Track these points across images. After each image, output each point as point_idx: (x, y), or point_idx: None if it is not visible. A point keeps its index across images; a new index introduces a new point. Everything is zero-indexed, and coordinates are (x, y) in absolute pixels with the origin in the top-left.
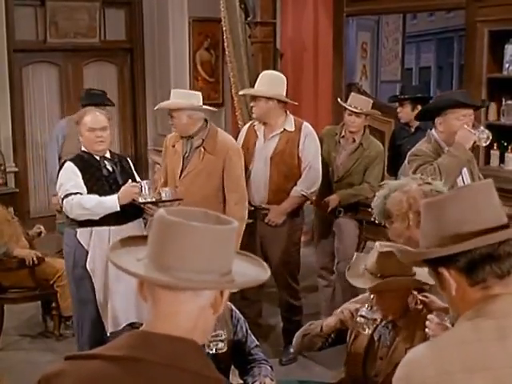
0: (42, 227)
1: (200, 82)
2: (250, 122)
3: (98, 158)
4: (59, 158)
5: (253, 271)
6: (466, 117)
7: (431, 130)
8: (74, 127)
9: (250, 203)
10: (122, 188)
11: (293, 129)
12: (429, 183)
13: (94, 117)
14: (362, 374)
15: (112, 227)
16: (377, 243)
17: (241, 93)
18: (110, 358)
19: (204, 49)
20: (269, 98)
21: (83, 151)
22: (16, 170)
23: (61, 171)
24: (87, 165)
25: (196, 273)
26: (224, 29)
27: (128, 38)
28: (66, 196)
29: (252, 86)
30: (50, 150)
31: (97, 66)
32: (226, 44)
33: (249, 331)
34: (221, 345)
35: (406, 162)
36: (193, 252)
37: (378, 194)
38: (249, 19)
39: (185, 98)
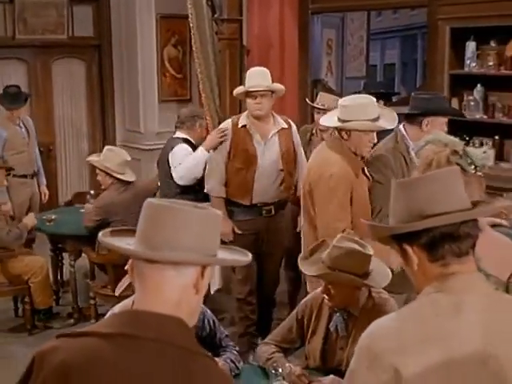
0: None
1: (168, 78)
2: (231, 122)
3: None
4: None
5: (235, 256)
6: (445, 123)
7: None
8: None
9: (252, 203)
10: None
11: (285, 125)
12: (460, 156)
13: None
14: (321, 365)
15: None
16: (339, 235)
17: (260, 88)
18: (102, 334)
19: (171, 45)
20: (272, 93)
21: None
22: None
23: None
24: None
25: (181, 251)
26: (191, 25)
27: (96, 35)
28: None
29: (219, 82)
30: None
31: (65, 62)
32: (193, 41)
33: (216, 323)
34: None
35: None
36: (178, 232)
37: (422, 139)
38: (215, 16)
39: None
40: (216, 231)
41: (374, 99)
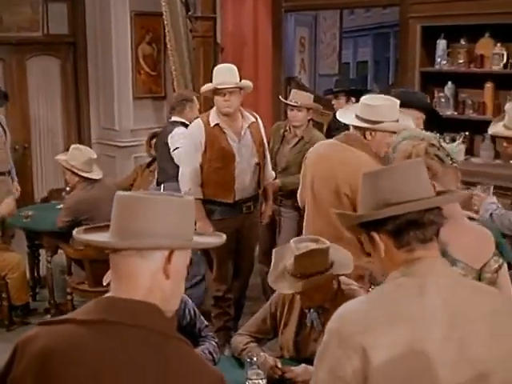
0: None
1: (142, 75)
2: (201, 122)
3: None
4: None
5: (208, 240)
6: (421, 118)
7: None
8: None
9: (235, 200)
10: None
11: (254, 119)
12: (438, 148)
13: None
14: (296, 356)
15: None
16: (291, 243)
17: (229, 86)
18: (81, 321)
19: (146, 43)
20: (241, 89)
21: None
22: None
23: None
24: None
25: (151, 239)
26: (165, 23)
27: (71, 32)
28: None
29: (193, 80)
30: None
31: (40, 60)
32: (167, 38)
33: (197, 313)
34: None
35: None
36: (148, 220)
37: (397, 136)
38: (189, 13)
39: None
40: (189, 217)
41: (398, 100)
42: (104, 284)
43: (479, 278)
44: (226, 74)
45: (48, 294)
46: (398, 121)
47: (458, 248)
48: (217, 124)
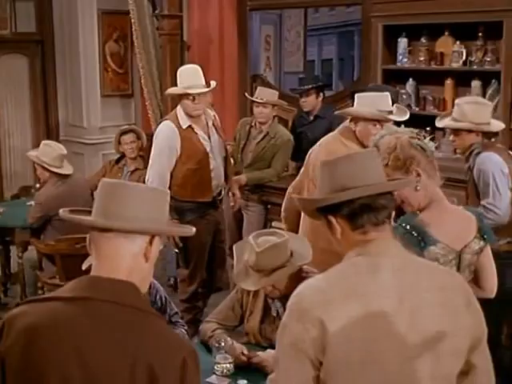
0: None
1: (110, 73)
2: (173, 125)
3: None
4: None
5: (186, 229)
6: None
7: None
8: None
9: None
10: None
11: (212, 113)
12: (418, 138)
13: None
14: (262, 342)
15: None
16: (250, 239)
17: (201, 90)
18: (64, 298)
19: (113, 41)
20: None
21: None
22: None
23: None
24: None
25: (132, 222)
26: (132, 21)
27: (38, 30)
28: None
29: (160, 77)
30: None
31: (8, 58)
32: (134, 36)
33: (168, 300)
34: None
35: None
36: (129, 204)
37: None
38: (156, 12)
39: None
40: (166, 206)
41: (386, 93)
42: (83, 268)
43: (459, 259)
44: (192, 76)
45: (19, 289)
46: (391, 113)
47: (439, 229)
48: (189, 126)
